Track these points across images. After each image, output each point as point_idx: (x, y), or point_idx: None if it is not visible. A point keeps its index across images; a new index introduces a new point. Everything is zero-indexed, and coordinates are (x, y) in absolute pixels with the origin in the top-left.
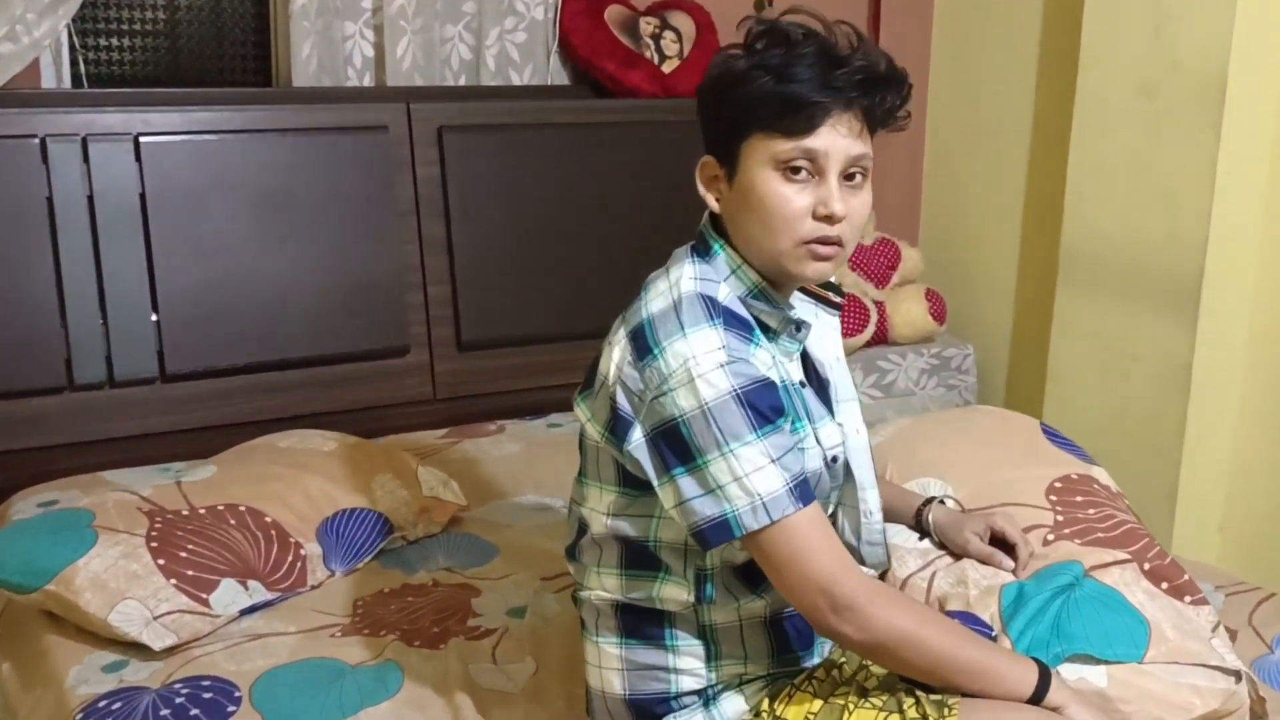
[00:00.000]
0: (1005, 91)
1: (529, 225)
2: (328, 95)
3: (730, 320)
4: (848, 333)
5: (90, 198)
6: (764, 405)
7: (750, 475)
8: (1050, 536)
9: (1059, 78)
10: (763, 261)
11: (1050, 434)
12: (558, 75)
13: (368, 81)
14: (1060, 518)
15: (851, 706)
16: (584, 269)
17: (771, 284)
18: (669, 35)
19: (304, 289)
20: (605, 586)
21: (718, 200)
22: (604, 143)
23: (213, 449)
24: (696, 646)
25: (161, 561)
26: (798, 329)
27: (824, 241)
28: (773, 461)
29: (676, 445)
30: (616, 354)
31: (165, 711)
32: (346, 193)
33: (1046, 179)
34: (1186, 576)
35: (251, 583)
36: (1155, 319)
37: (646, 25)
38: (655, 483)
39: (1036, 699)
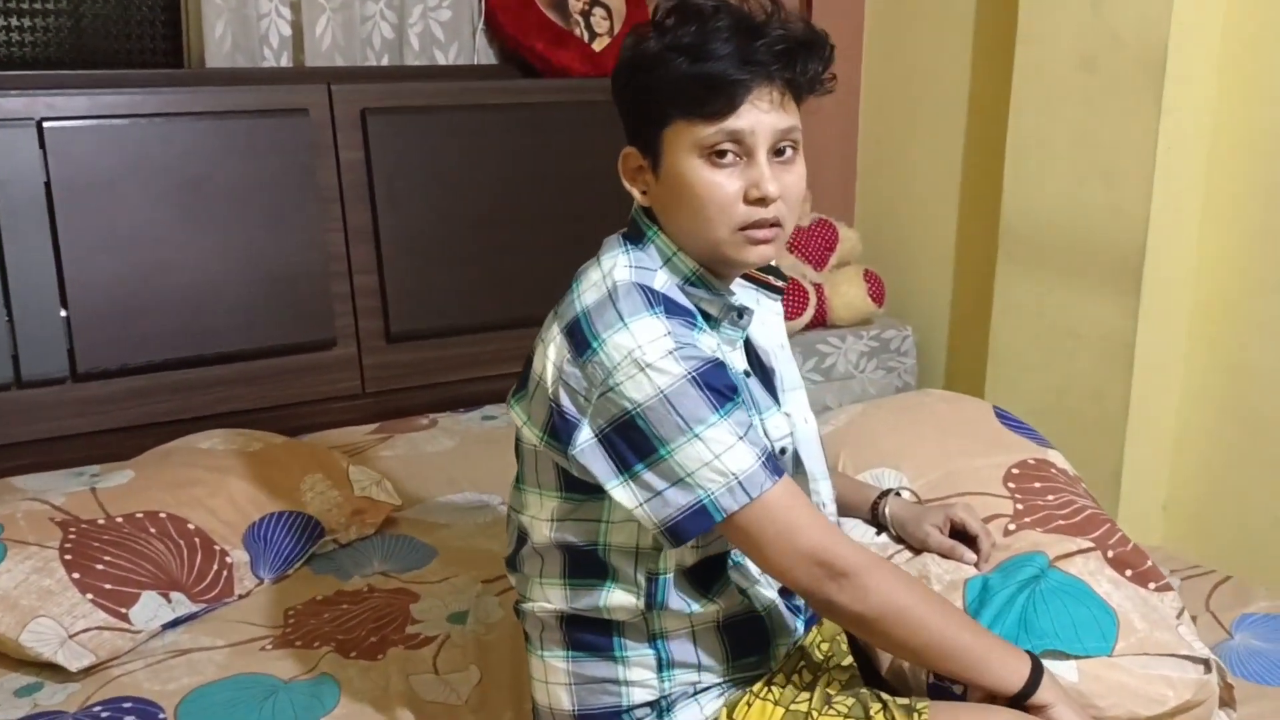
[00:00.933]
0: (941, 66)
1: (458, 211)
2: (244, 77)
3: (671, 307)
4: (788, 316)
5: None
6: (721, 384)
7: (722, 456)
8: (1011, 526)
9: (996, 52)
10: (701, 251)
11: (1004, 417)
12: (484, 54)
13: (285, 62)
14: (1020, 506)
15: (815, 715)
16: (516, 255)
17: (711, 271)
18: (599, 12)
19: (224, 281)
20: (549, 598)
21: (644, 193)
22: (534, 124)
23: (130, 451)
24: (647, 656)
25: (77, 575)
26: (740, 315)
27: (760, 225)
28: (740, 438)
29: (635, 439)
30: (552, 352)
31: None
32: (266, 179)
33: (984, 155)
34: (1150, 563)
35: (174, 595)
36: (1098, 296)
37: (576, 2)
38: (611, 483)
39: (1026, 694)
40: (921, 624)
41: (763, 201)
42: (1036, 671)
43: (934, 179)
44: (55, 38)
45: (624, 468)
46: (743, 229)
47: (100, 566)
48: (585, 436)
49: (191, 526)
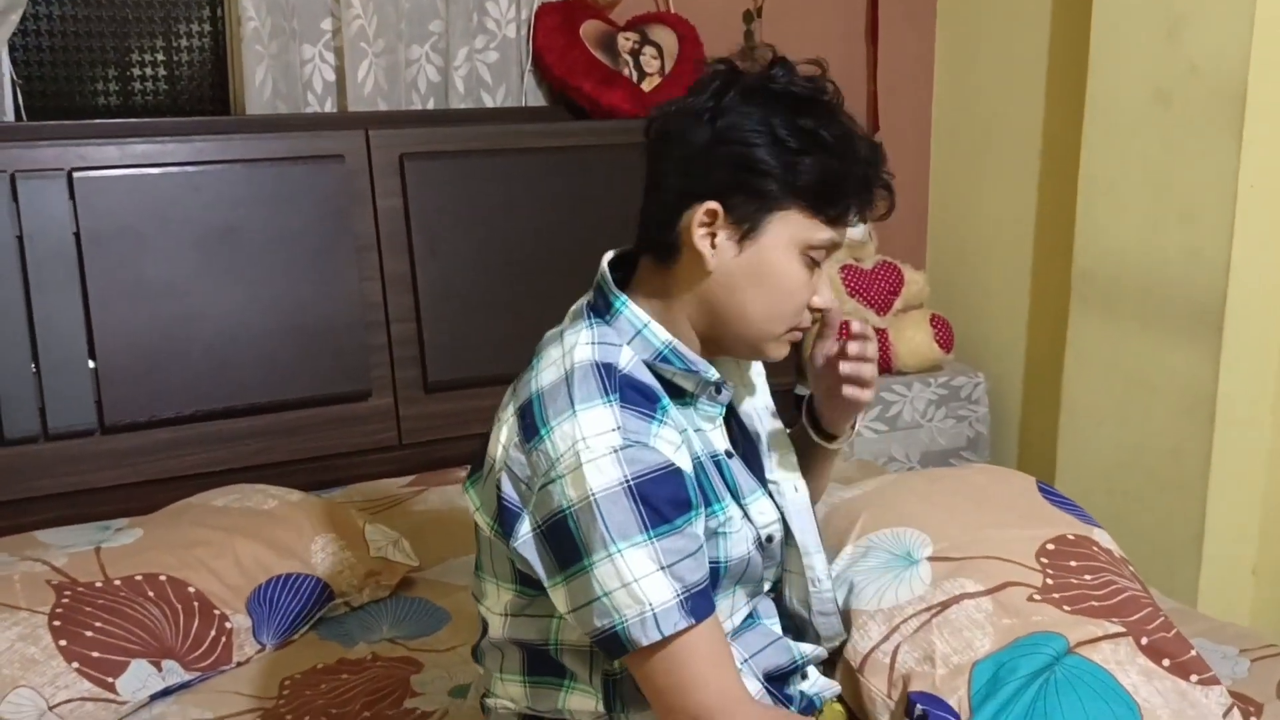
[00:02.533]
0: (1013, 103)
1: (499, 258)
2: (277, 124)
3: (629, 394)
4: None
5: (20, 238)
6: (660, 499)
7: (640, 581)
8: (1036, 597)
9: (1069, 87)
10: (733, 333)
11: (1048, 492)
12: (533, 96)
13: (330, 107)
14: (1050, 581)
15: None
16: (559, 302)
17: (703, 344)
18: (649, 51)
19: (256, 331)
20: (510, 695)
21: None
22: (578, 167)
23: (160, 504)
24: None
25: (64, 643)
26: (718, 390)
27: (800, 330)
28: (662, 569)
29: (565, 542)
30: (504, 434)
31: None
32: (301, 228)
33: (1058, 195)
34: (1194, 653)
35: (166, 663)
36: (1176, 345)
37: (625, 41)
38: (546, 584)
39: None
40: None
41: (815, 310)
42: None
43: (1007, 220)
44: (102, 88)
45: (556, 570)
46: (791, 330)
47: (90, 634)
48: (525, 529)
49: (192, 590)
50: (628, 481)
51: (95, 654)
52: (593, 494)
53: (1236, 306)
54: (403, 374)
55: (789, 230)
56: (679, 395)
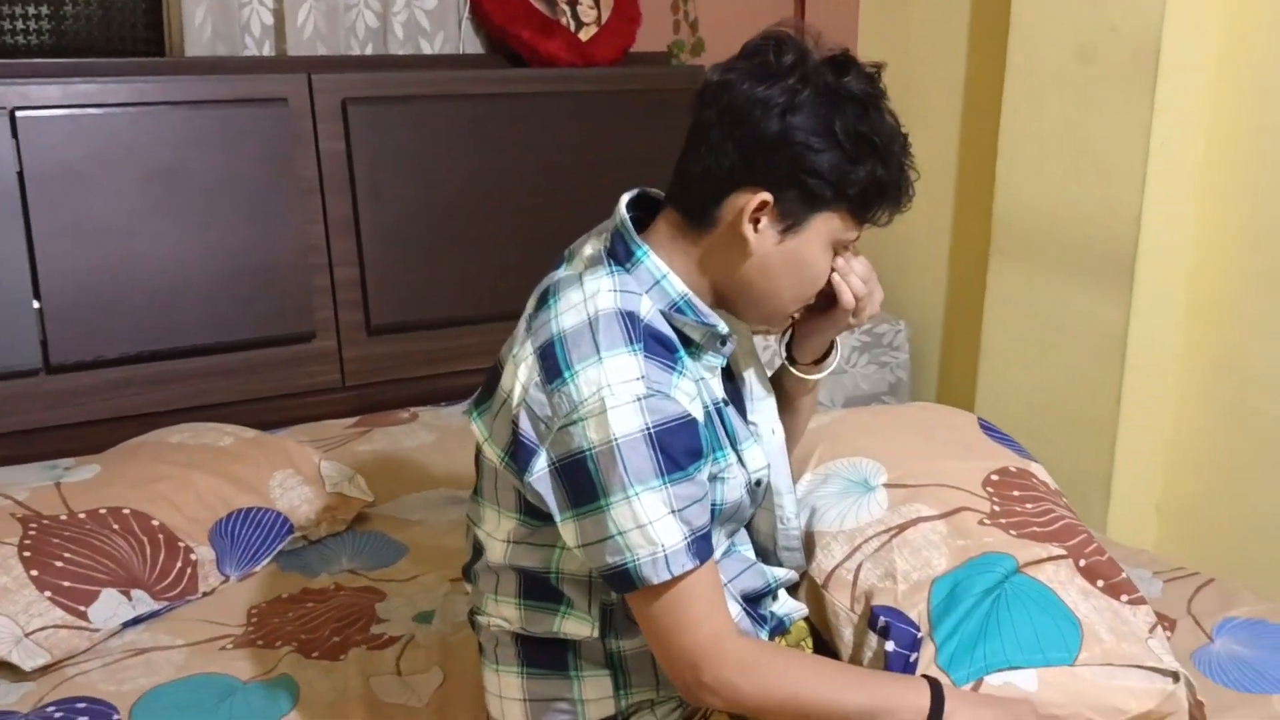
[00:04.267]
0: (935, 59)
1: (441, 202)
2: (221, 65)
3: (651, 345)
4: None
5: None
6: (677, 449)
7: (654, 523)
8: (986, 521)
9: (990, 44)
10: (753, 308)
11: (988, 428)
12: (470, 44)
13: (267, 51)
14: (997, 508)
15: None
16: (500, 247)
17: (714, 300)
18: (586, 1)
19: (200, 272)
20: (504, 615)
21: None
22: (519, 114)
23: (104, 444)
24: (604, 676)
25: (35, 572)
26: (723, 343)
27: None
28: (673, 512)
29: (582, 481)
30: (523, 373)
31: None
32: (244, 170)
33: (979, 149)
34: (1124, 575)
35: (136, 592)
36: (1089, 292)
37: None
38: (557, 518)
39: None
40: (806, 706)
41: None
42: (937, 697)
43: (928, 173)
44: (35, 26)
45: (569, 506)
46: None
47: (59, 564)
48: (541, 465)
49: (156, 523)
50: (649, 429)
51: (66, 583)
52: (615, 439)
53: (1147, 257)
54: (346, 316)
55: (828, 228)
56: (686, 345)
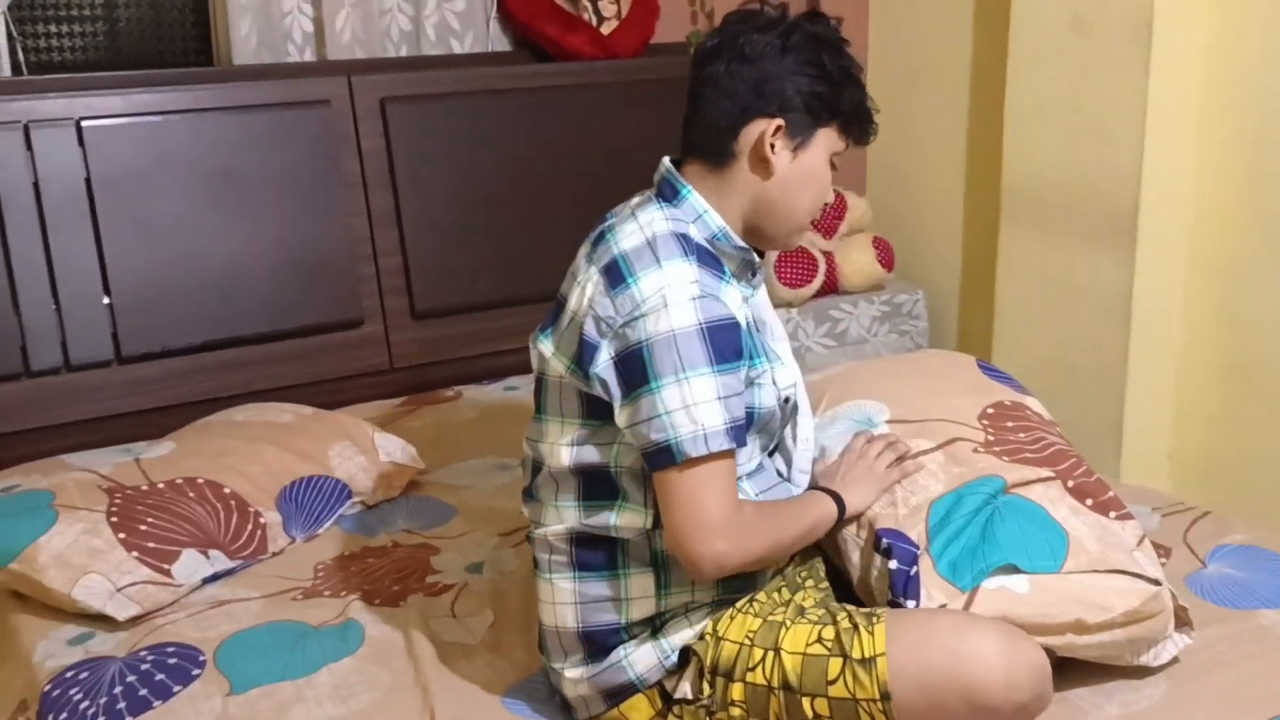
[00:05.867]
0: (943, 34)
1: (476, 192)
2: (268, 72)
3: (704, 256)
4: (796, 283)
5: (36, 184)
6: (724, 344)
7: (699, 404)
8: (980, 449)
9: (995, 17)
10: (778, 226)
11: (985, 368)
12: (498, 42)
13: (309, 56)
14: (990, 438)
15: (789, 624)
16: (532, 232)
17: (743, 234)
18: None
19: (255, 266)
20: (562, 518)
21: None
22: (546, 107)
23: (171, 428)
24: (647, 575)
25: (123, 535)
26: (754, 274)
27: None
28: (718, 399)
29: (638, 368)
30: (589, 289)
31: (131, 678)
32: (292, 168)
33: (988, 119)
34: (1112, 493)
35: (213, 552)
36: (1094, 252)
37: None
38: (617, 403)
39: (842, 512)
40: (776, 549)
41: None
42: (837, 499)
43: (940, 145)
44: (92, 42)
45: (626, 391)
46: (812, 219)
47: (144, 527)
48: (604, 358)
49: (228, 491)
50: (701, 325)
51: (151, 544)
52: (673, 330)
53: (1148, 216)
54: (391, 303)
55: (826, 143)
56: (724, 268)
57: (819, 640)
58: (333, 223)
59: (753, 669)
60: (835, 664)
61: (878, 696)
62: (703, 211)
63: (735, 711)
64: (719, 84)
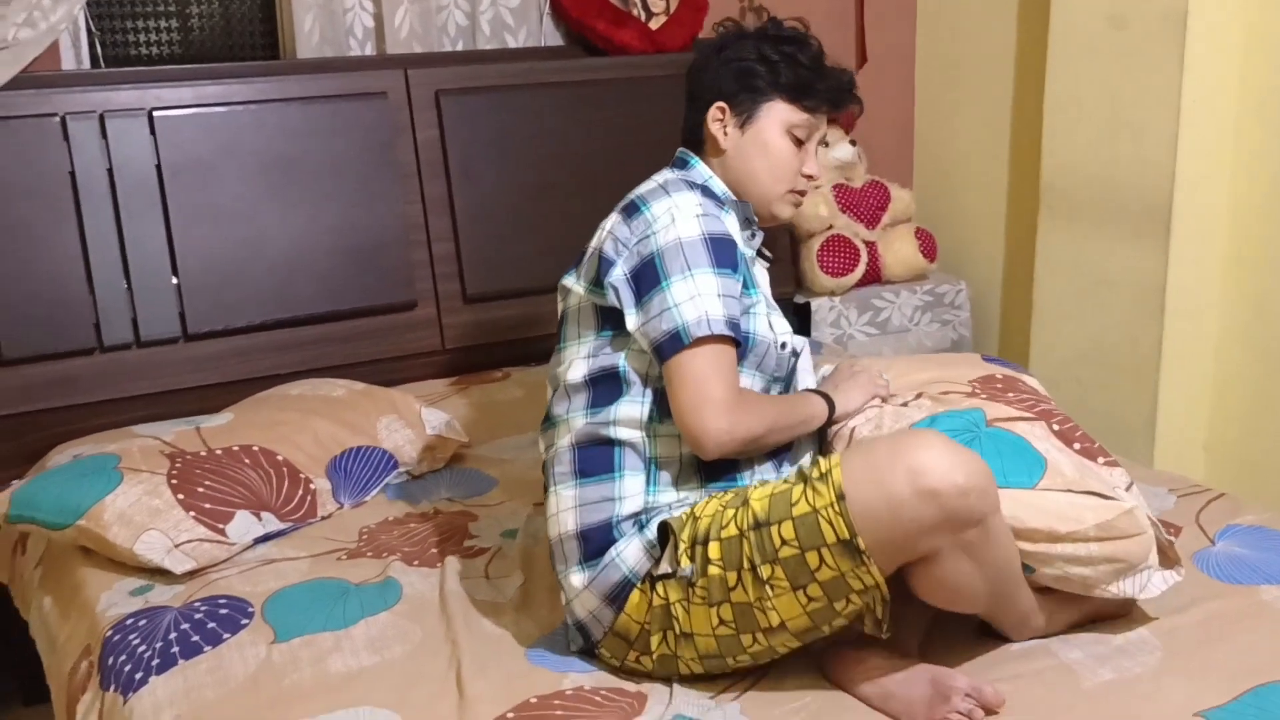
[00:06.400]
0: (987, 31)
1: (526, 181)
2: (328, 65)
3: (708, 194)
4: (838, 272)
5: (110, 171)
6: (724, 253)
7: (704, 295)
8: (965, 398)
9: (1036, 12)
10: (750, 193)
11: (989, 359)
12: (551, 37)
13: (369, 50)
14: (979, 393)
15: (752, 495)
16: (579, 220)
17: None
18: None
19: (314, 250)
20: (571, 428)
21: (724, 137)
22: (596, 100)
23: (232, 403)
24: (639, 474)
25: (181, 496)
26: (753, 234)
27: (800, 192)
28: (720, 295)
29: (650, 273)
30: (608, 224)
31: (185, 625)
32: (351, 157)
33: (1027, 115)
34: (1099, 445)
35: (265, 514)
36: (1129, 245)
37: None
38: (628, 310)
39: (832, 411)
40: (775, 433)
41: (809, 178)
42: (827, 398)
43: (984, 139)
44: (166, 37)
45: (637, 296)
46: (791, 191)
47: (201, 489)
48: (619, 272)
49: (280, 458)
50: (705, 235)
51: (207, 505)
52: (679, 238)
53: (1182, 209)
54: (444, 287)
55: (777, 115)
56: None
57: (784, 482)
58: (388, 210)
59: (725, 525)
60: (797, 490)
61: (834, 499)
62: (707, 177)
63: (713, 571)
64: (688, 92)
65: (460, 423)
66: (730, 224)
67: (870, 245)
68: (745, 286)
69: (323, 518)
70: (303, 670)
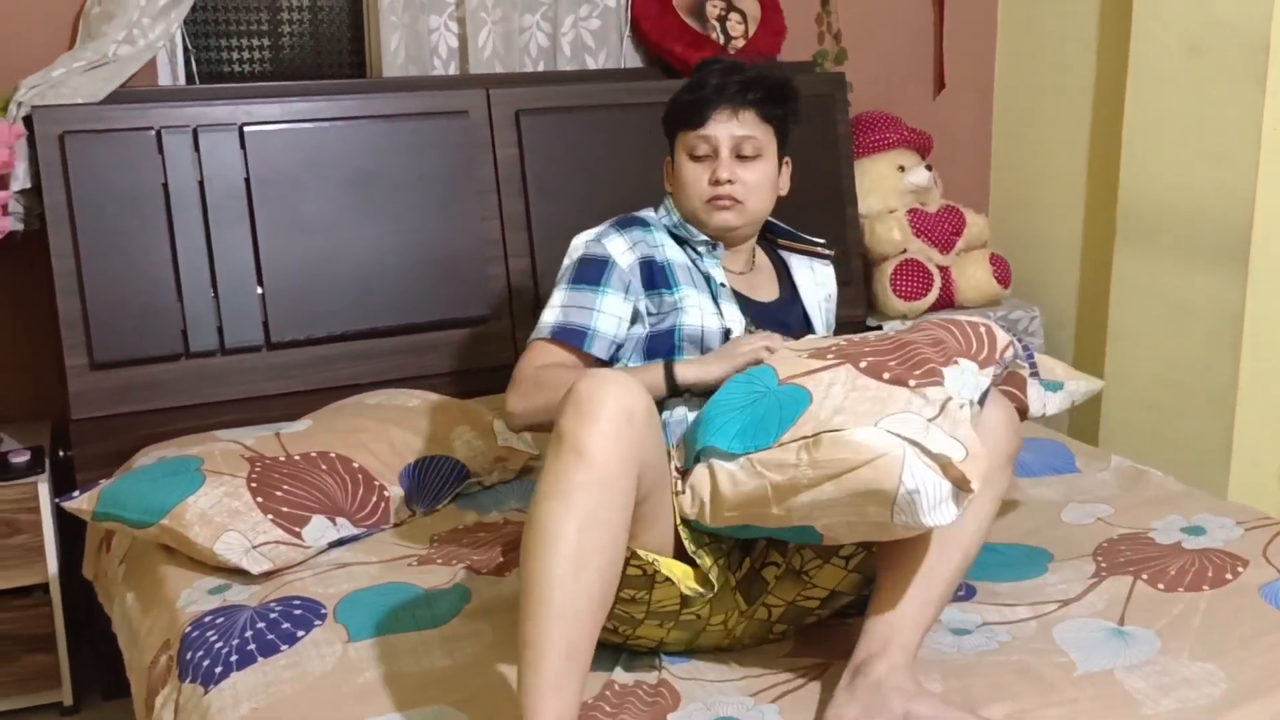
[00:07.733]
0: (1066, 58)
1: (602, 201)
2: (412, 84)
3: (627, 222)
4: (911, 295)
5: (201, 183)
6: (585, 272)
7: (550, 307)
8: (824, 354)
9: (1116, 43)
10: (687, 215)
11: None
12: (630, 59)
13: (453, 70)
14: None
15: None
16: None
17: (694, 225)
18: (734, 17)
19: (394, 263)
20: None
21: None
22: None
23: (313, 410)
24: None
25: (260, 500)
26: (713, 248)
27: (719, 198)
28: (560, 306)
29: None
30: None
31: (261, 624)
32: (431, 174)
33: (1108, 142)
34: (927, 368)
35: (339, 519)
36: (1208, 273)
37: (712, 8)
38: None
39: (674, 386)
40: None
41: (718, 183)
42: (669, 371)
43: (1062, 166)
44: (258, 55)
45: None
46: (708, 201)
47: (279, 493)
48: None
49: (356, 465)
50: (578, 258)
51: (285, 509)
52: (569, 261)
53: (1261, 237)
54: (519, 301)
55: (681, 145)
56: (682, 243)
57: None
58: (467, 225)
59: None
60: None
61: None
62: (671, 209)
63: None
64: None
65: (530, 435)
66: (617, 243)
67: (944, 270)
68: (668, 287)
69: (395, 524)
70: (377, 668)
